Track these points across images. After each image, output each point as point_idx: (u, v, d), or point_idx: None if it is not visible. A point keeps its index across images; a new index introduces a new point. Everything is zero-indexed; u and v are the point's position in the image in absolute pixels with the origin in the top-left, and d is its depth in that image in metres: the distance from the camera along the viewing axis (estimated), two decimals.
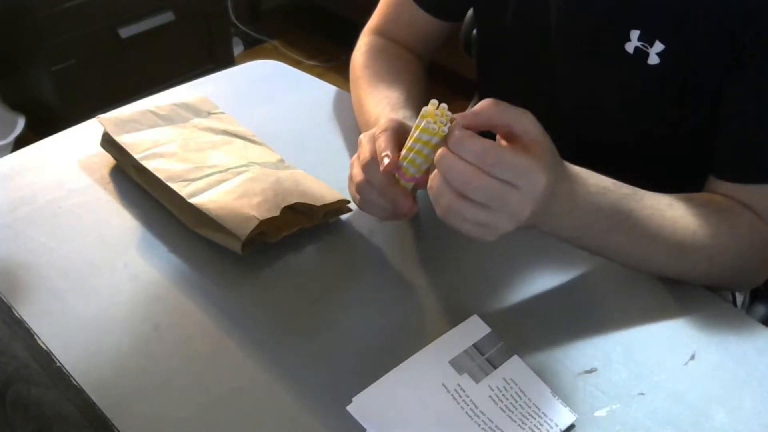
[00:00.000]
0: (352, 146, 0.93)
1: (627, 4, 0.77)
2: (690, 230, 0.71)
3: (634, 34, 0.77)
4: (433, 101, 0.64)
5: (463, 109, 1.18)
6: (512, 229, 0.61)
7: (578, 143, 0.88)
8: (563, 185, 0.63)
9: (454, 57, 1.35)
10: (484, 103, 0.62)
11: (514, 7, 0.88)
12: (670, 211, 0.71)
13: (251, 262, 0.75)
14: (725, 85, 0.75)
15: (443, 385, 0.63)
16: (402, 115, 0.79)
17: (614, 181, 0.69)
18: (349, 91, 0.97)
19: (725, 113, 0.76)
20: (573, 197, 0.65)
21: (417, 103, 0.83)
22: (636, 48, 0.77)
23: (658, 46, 0.76)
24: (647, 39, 0.76)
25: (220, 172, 0.80)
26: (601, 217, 0.67)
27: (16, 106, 2.11)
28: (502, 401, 0.62)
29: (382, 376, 0.64)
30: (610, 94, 0.84)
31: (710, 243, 0.71)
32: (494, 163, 0.58)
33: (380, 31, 0.99)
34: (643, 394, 0.64)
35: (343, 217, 0.81)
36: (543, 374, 0.65)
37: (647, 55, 0.77)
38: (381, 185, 0.69)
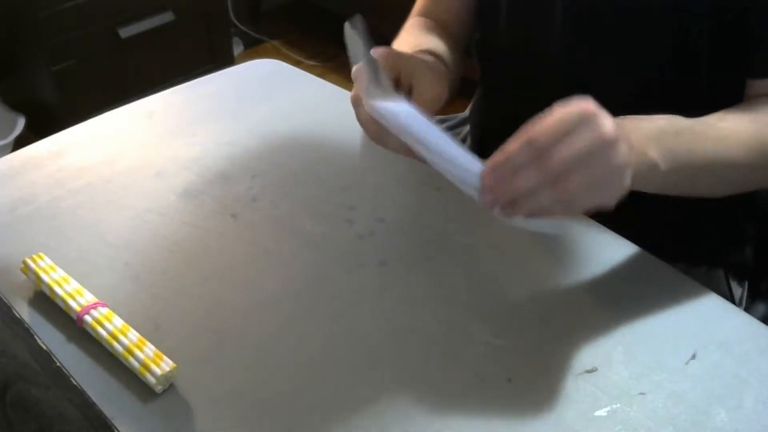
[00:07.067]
0: (353, 146, 0.93)
1: None
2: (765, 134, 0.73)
3: None
4: None
5: (464, 107, 1.17)
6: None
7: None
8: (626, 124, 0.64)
9: None
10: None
11: None
12: (745, 124, 0.72)
13: (251, 262, 0.75)
14: None
15: None
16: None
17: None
18: (349, 90, 0.97)
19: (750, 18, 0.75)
20: (643, 129, 0.66)
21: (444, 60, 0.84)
22: None
23: None
24: None
25: None
26: (675, 133, 0.68)
27: (16, 106, 2.11)
28: None
29: (379, 376, 0.64)
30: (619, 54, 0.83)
31: None
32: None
33: (422, 13, 0.99)
34: (643, 393, 0.64)
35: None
36: (543, 374, 0.65)
37: None
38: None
